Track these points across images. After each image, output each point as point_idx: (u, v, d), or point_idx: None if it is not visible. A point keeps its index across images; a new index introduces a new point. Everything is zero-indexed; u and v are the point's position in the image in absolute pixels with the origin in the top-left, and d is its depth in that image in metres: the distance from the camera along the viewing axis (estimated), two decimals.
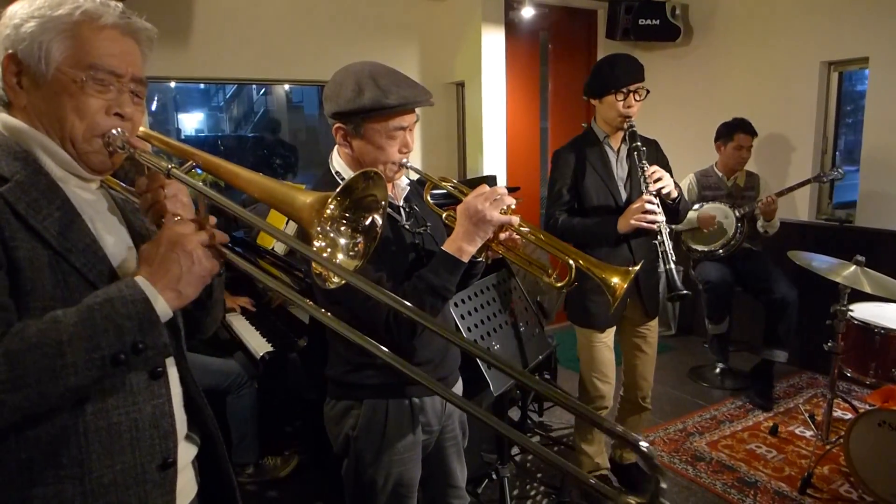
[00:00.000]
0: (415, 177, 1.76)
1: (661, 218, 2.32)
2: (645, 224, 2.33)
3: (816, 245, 3.31)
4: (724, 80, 4.61)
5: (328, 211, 0.96)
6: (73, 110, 0.97)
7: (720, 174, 3.90)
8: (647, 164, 2.38)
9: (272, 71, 4.11)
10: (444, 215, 1.70)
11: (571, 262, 1.64)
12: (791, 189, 3.70)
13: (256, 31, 3.93)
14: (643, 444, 0.80)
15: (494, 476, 2.71)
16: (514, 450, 3.18)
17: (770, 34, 4.32)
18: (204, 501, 1.19)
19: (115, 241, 1.04)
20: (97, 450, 0.93)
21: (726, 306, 3.92)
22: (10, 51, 0.96)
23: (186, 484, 1.11)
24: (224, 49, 3.85)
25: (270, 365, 2.64)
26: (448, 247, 1.52)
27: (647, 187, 2.36)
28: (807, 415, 3.38)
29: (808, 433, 3.30)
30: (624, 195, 2.52)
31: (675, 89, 4.86)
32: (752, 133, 3.81)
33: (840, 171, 3.65)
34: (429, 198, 1.72)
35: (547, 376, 3.49)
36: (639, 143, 2.40)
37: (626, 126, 2.46)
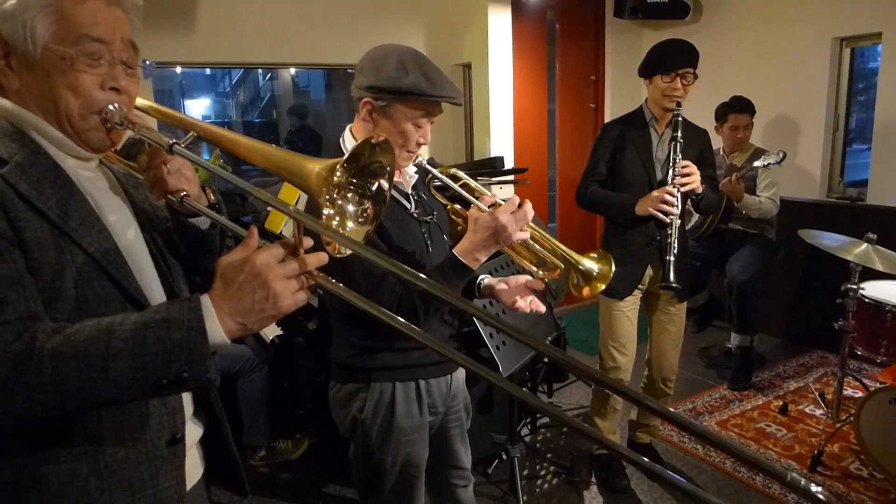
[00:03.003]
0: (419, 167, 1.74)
1: (676, 212, 2.42)
2: (659, 214, 2.43)
3: (828, 223, 3.28)
4: (734, 58, 4.55)
5: (336, 178, 0.94)
6: (67, 88, 0.94)
7: (722, 154, 3.84)
8: (680, 157, 2.44)
9: (278, 55, 4.09)
10: (448, 206, 1.69)
11: (560, 264, 1.65)
12: (744, 173, 3.55)
13: (262, 14, 3.91)
14: (815, 488, 0.73)
15: (504, 456, 2.74)
16: (524, 430, 3.20)
17: (781, 10, 4.26)
18: (210, 482, 1.20)
19: (117, 218, 1.03)
20: (109, 427, 0.94)
21: (695, 284, 3.92)
22: None
23: (193, 465, 1.12)
24: (230, 33, 3.83)
25: (281, 348, 2.66)
26: (462, 254, 1.50)
27: (673, 180, 2.43)
28: (817, 393, 3.38)
29: (819, 412, 3.30)
30: (659, 176, 2.55)
31: None
32: (748, 111, 3.71)
33: (780, 154, 3.46)
34: (433, 189, 1.72)
35: None
36: (678, 135, 2.45)
37: (672, 109, 2.49)
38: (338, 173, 0.93)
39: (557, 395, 3.61)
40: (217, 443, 1.18)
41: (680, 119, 2.47)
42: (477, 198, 1.56)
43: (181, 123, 1.11)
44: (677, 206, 2.41)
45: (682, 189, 2.43)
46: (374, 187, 1.03)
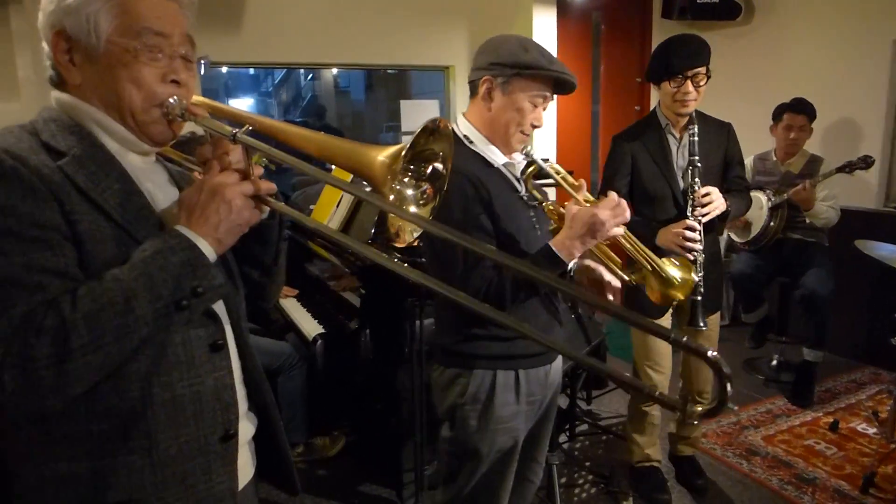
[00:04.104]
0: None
1: (699, 247, 2.26)
2: (681, 251, 2.27)
3: (885, 233, 3.15)
4: (787, 61, 4.41)
5: (399, 165, 0.94)
6: (130, 81, 0.95)
7: (775, 159, 3.70)
8: (699, 184, 2.29)
9: (321, 55, 4.12)
10: (543, 203, 1.73)
11: (648, 266, 1.72)
12: (819, 180, 3.42)
13: (306, 15, 3.94)
14: (710, 353, 0.84)
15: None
16: (562, 437, 3.15)
17: (837, 10, 4.11)
18: (262, 478, 1.20)
19: (175, 211, 1.03)
20: (163, 422, 0.95)
21: (754, 298, 3.81)
22: (58, 28, 0.95)
23: (245, 464, 1.12)
24: (274, 34, 3.88)
25: (321, 346, 2.67)
26: (558, 247, 1.53)
27: (692, 211, 2.28)
28: (870, 411, 3.24)
29: (871, 431, 3.17)
30: (682, 185, 2.41)
31: (736, 71, 4.66)
32: (805, 112, 3.53)
33: (869, 158, 3.34)
34: (530, 185, 1.75)
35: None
36: (696, 158, 2.29)
37: (685, 113, 2.36)
38: (401, 161, 0.93)
39: (597, 402, 3.55)
40: (269, 440, 1.18)
41: (696, 139, 2.29)
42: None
43: (234, 118, 1.11)
44: (700, 241, 2.26)
45: (704, 219, 2.27)
46: (428, 170, 1.05)
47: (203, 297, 0.91)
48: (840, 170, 3.40)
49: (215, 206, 0.93)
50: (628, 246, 1.69)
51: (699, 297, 2.27)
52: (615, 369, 0.92)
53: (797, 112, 3.56)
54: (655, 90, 2.55)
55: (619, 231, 1.58)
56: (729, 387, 0.83)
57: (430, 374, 1.78)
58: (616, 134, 2.59)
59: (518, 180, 1.70)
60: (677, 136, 2.45)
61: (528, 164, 1.69)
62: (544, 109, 1.65)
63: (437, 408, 1.76)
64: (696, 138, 2.30)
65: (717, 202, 2.29)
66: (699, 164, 2.30)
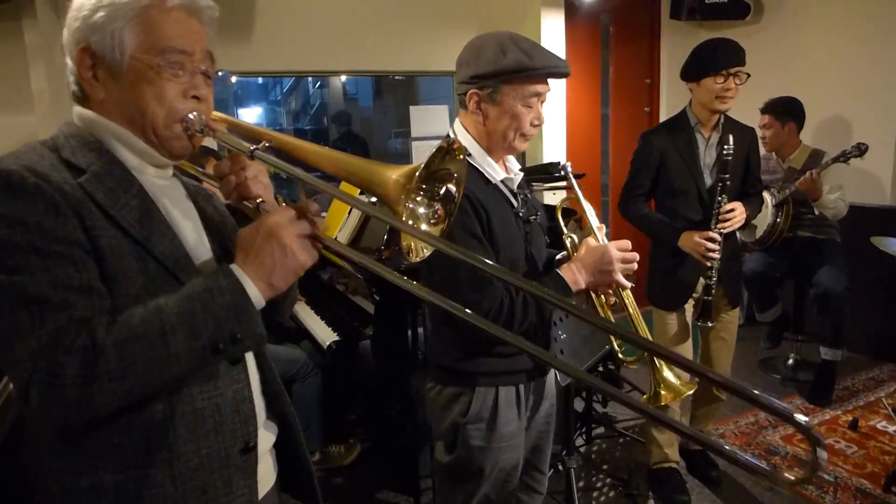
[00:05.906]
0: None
1: (717, 256, 2.36)
2: (700, 258, 2.38)
3: None
4: (797, 62, 4.37)
5: (413, 184, 0.94)
6: (153, 97, 0.97)
7: (775, 157, 3.71)
8: (725, 199, 2.36)
9: (330, 63, 4.14)
10: (565, 236, 1.72)
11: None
12: (822, 168, 3.39)
13: (315, 24, 3.97)
14: (799, 417, 0.78)
15: (560, 467, 2.68)
16: (579, 441, 3.14)
17: (850, 10, 4.07)
18: (283, 489, 1.20)
19: (191, 226, 1.06)
20: (184, 435, 0.95)
21: (768, 297, 3.80)
22: (83, 44, 0.96)
23: (266, 472, 1.12)
24: (284, 43, 3.91)
25: (336, 353, 2.68)
26: (566, 274, 1.55)
27: (715, 224, 2.37)
28: (890, 409, 3.21)
29: (892, 428, 3.14)
30: (708, 182, 2.47)
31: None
32: (768, 112, 3.61)
33: (862, 146, 3.32)
34: (560, 219, 1.76)
35: (611, 367, 3.43)
36: (727, 176, 2.35)
37: (721, 111, 2.45)
38: (415, 181, 0.93)
39: (612, 404, 3.53)
40: (289, 451, 1.18)
41: (730, 158, 2.33)
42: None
43: (251, 133, 1.13)
44: (719, 251, 2.36)
45: (724, 231, 2.37)
46: (441, 191, 1.04)
47: (241, 344, 0.90)
48: (836, 160, 3.39)
49: (270, 248, 0.90)
50: (631, 323, 1.69)
51: (710, 298, 2.39)
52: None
53: (761, 112, 3.64)
54: (673, 91, 2.58)
55: (626, 283, 1.58)
56: (822, 454, 0.75)
57: (426, 392, 1.71)
58: (645, 131, 2.68)
59: (514, 195, 1.64)
60: (706, 135, 2.51)
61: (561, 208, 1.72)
62: (543, 103, 1.55)
63: (434, 428, 1.70)
64: (731, 157, 2.33)
65: (739, 217, 2.39)
66: (729, 182, 2.36)
